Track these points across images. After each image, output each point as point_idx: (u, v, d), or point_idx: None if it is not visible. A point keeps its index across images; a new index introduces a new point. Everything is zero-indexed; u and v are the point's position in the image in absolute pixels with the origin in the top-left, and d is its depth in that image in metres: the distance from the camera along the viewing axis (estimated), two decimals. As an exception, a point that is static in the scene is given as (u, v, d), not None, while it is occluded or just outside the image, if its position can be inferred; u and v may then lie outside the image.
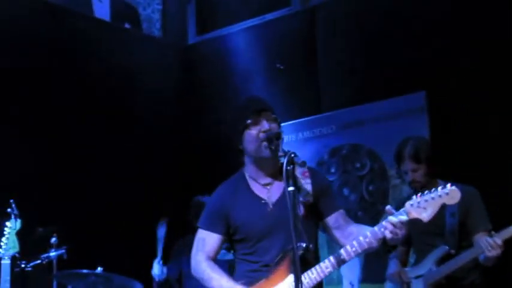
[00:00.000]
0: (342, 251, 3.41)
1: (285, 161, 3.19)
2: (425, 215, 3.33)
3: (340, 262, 3.41)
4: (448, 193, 3.31)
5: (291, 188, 3.16)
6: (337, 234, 3.63)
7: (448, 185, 3.32)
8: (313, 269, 3.42)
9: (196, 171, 7.64)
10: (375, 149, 6.71)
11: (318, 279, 3.42)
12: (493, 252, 4.32)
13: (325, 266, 3.42)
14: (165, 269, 6.11)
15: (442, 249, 4.60)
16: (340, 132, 7.00)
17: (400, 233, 3.30)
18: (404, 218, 3.30)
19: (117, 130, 7.30)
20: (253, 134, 3.55)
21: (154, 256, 6.05)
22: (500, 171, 5.82)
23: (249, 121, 3.56)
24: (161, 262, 6.06)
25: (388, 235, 3.30)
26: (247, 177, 3.70)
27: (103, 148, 7.10)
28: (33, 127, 6.59)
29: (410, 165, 4.65)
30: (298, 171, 3.52)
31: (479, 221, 4.60)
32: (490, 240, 4.32)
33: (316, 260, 3.50)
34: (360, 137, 6.86)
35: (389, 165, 6.54)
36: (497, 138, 5.89)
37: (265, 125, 3.53)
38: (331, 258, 3.42)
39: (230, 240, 3.72)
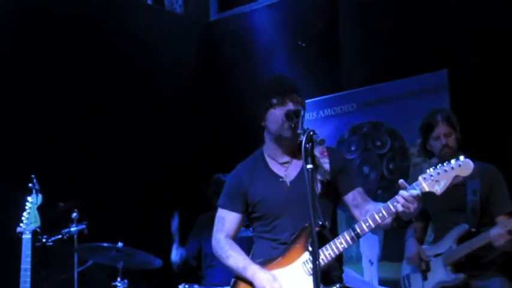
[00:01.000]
0: (356, 226, 3.42)
1: (303, 138, 3.18)
2: (438, 188, 3.30)
3: (354, 238, 3.42)
4: (461, 164, 3.29)
5: (309, 166, 3.15)
6: (355, 212, 3.64)
7: (461, 157, 3.30)
8: (327, 245, 3.43)
9: (218, 149, 7.64)
10: (396, 127, 6.69)
11: (333, 255, 3.43)
12: (501, 242, 4.31)
13: (339, 242, 3.43)
14: (183, 252, 6.17)
15: (462, 228, 4.56)
16: (361, 110, 6.98)
17: (413, 206, 3.27)
18: (415, 191, 3.28)
19: (139, 107, 7.31)
20: (278, 114, 3.57)
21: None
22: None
23: (274, 101, 3.57)
24: (179, 247, 6.13)
25: (400, 208, 3.28)
26: (266, 156, 3.72)
27: (125, 125, 7.12)
28: (56, 102, 6.62)
29: (444, 129, 4.60)
30: (317, 150, 3.51)
31: (502, 201, 4.56)
32: (497, 231, 4.30)
33: (333, 237, 3.50)
34: (380, 115, 6.84)
35: (410, 144, 6.53)
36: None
37: (290, 106, 3.53)
38: (345, 234, 3.43)
39: (249, 218, 3.75)
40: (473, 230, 4.53)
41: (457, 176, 3.33)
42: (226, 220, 3.72)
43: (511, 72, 5.88)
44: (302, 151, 3.16)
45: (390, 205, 3.34)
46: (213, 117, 7.96)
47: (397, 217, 3.39)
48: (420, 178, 3.33)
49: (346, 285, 5.05)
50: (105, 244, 5.55)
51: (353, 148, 6.98)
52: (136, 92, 7.30)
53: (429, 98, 6.42)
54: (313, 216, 3.07)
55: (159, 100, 7.50)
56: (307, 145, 3.18)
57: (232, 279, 3.67)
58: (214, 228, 3.75)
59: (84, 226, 5.63)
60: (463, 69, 6.19)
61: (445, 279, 4.59)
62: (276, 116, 3.58)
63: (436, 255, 4.67)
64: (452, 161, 3.30)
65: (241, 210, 3.71)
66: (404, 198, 3.27)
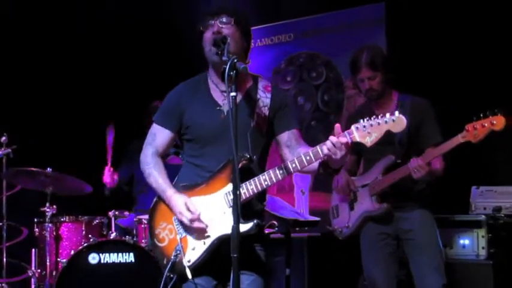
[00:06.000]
0: (282, 165, 3.40)
1: (227, 66, 3.14)
2: (369, 140, 3.28)
3: (279, 177, 3.39)
4: (395, 120, 3.27)
5: (232, 94, 3.11)
6: (286, 152, 3.60)
7: (396, 112, 3.27)
8: (252, 180, 3.41)
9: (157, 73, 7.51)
10: (332, 59, 6.69)
11: (255, 191, 3.40)
12: (419, 174, 4.38)
13: (264, 178, 3.39)
14: (116, 176, 6.11)
15: (388, 159, 4.62)
16: (298, 41, 6.96)
17: (340, 153, 3.26)
18: (345, 139, 3.26)
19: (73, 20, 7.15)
20: (206, 37, 3.49)
21: (105, 161, 6.05)
22: (453, 85, 5.86)
23: (204, 23, 3.49)
24: (111, 169, 6.06)
25: (326, 152, 3.27)
26: (209, 81, 3.64)
27: (56, 42, 6.97)
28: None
29: (367, 73, 4.59)
30: (261, 84, 3.51)
31: (431, 134, 4.60)
32: (416, 162, 4.37)
33: (261, 173, 3.48)
34: (317, 46, 6.83)
35: (345, 76, 6.55)
36: (452, 51, 5.90)
37: (215, 26, 3.47)
38: (271, 172, 3.40)
39: (180, 139, 3.69)
40: (399, 161, 4.58)
41: (388, 131, 3.34)
42: (158, 136, 3.64)
43: (449, 8, 5.90)
44: (225, 79, 3.12)
45: (318, 149, 3.32)
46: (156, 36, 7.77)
47: (325, 164, 3.38)
48: (353, 127, 3.29)
49: (273, 212, 5.13)
50: (34, 169, 5.49)
51: (289, 78, 6.97)
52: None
53: (366, 31, 6.42)
54: (235, 145, 3.05)
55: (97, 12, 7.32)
56: (231, 73, 3.13)
57: (154, 199, 3.62)
58: (145, 143, 3.68)
59: (9, 150, 5.55)
60: (401, 3, 6.19)
61: (369, 209, 4.67)
62: (205, 39, 3.50)
63: (363, 186, 4.73)
64: (387, 115, 3.27)
65: (175, 129, 3.63)
66: (332, 144, 3.27)
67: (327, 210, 5.11)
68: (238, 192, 3.09)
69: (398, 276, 4.75)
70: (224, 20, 3.48)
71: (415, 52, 6.02)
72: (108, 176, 6.01)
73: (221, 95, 3.58)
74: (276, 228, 5.31)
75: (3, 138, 5.64)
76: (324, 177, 6.26)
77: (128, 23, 7.17)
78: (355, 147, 4.76)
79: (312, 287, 5.95)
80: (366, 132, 3.28)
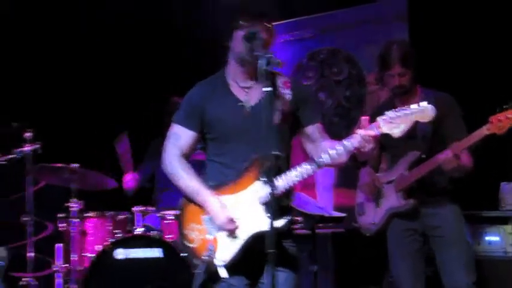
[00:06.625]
0: (312, 160, 3.41)
1: (262, 61, 3.14)
2: (397, 131, 3.28)
3: (310, 171, 3.39)
4: (423, 110, 3.27)
5: (267, 88, 3.11)
6: (310, 147, 3.62)
7: (424, 103, 3.27)
8: (282, 176, 3.39)
9: (176, 70, 7.53)
10: (354, 54, 6.68)
11: (286, 187, 3.40)
12: (448, 166, 4.37)
13: (295, 174, 3.39)
14: (137, 177, 6.15)
15: (413, 155, 4.60)
16: (319, 36, 6.95)
17: (368, 146, 3.27)
18: (373, 132, 3.27)
19: (96, 24, 7.16)
20: (239, 34, 3.46)
21: (121, 169, 6.13)
22: (476, 80, 5.85)
23: (243, 23, 3.47)
24: (132, 175, 6.10)
25: (356, 145, 3.28)
26: (228, 78, 3.64)
27: (79, 43, 6.99)
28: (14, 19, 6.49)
29: (399, 69, 4.56)
30: (280, 81, 3.48)
31: (455, 129, 4.57)
32: (444, 155, 4.36)
33: (287, 168, 3.50)
34: (338, 41, 6.82)
35: (367, 71, 6.54)
36: (476, 47, 5.89)
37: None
38: (301, 167, 3.40)
39: (203, 139, 3.69)
40: (423, 156, 4.58)
41: (416, 121, 3.33)
42: (181, 137, 3.61)
43: (473, 3, 5.88)
44: (260, 73, 3.13)
45: (346, 142, 3.34)
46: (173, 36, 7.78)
47: (353, 157, 3.39)
48: (379, 119, 3.29)
49: (299, 208, 5.13)
50: (59, 165, 5.52)
51: (310, 74, 6.97)
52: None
53: (388, 26, 6.41)
54: (266, 142, 3.07)
55: (117, 15, 7.31)
56: (266, 67, 3.14)
57: (181, 200, 3.61)
58: (167, 144, 3.64)
59: (38, 146, 5.57)
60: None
61: (396, 205, 4.64)
62: (236, 37, 3.48)
63: (389, 182, 4.72)
64: (414, 106, 3.26)
65: (197, 129, 3.61)
66: (361, 137, 3.28)
67: (351, 207, 5.11)
68: (272, 189, 3.09)
69: (425, 272, 4.73)
70: (268, 26, 3.50)
71: (437, 47, 6.00)
72: (129, 181, 6.07)
73: (242, 90, 3.58)
74: (300, 224, 5.33)
75: (28, 134, 5.66)
76: (348, 173, 6.28)
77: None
78: (378, 143, 4.78)
79: (337, 283, 5.96)
80: (394, 123, 3.28)
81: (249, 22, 3.45)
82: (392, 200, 4.68)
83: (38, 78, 6.63)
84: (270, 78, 3.15)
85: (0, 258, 4.85)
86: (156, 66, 7.46)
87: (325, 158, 3.36)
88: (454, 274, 4.50)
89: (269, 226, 3.04)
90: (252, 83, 3.59)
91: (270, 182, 3.10)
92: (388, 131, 3.29)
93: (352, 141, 3.31)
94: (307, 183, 6.71)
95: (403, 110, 3.28)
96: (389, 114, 3.29)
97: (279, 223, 3.28)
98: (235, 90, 3.60)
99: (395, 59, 4.55)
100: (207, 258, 3.44)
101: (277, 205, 3.27)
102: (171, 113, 3.75)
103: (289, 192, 3.53)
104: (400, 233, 4.68)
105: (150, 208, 5.75)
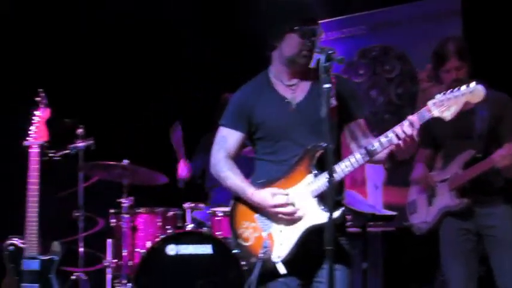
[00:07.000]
0: (362, 149, 3.37)
1: (322, 57, 3.11)
2: (448, 114, 3.22)
3: (359, 161, 3.34)
4: (472, 91, 3.22)
5: (327, 86, 3.07)
6: (352, 143, 3.60)
7: (473, 83, 3.23)
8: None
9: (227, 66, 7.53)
10: (406, 52, 6.62)
11: (338, 178, 3.36)
12: (504, 162, 4.30)
13: (345, 165, 3.34)
14: (190, 167, 6.18)
15: (468, 153, 4.54)
16: (371, 33, 6.91)
17: (410, 140, 3.21)
18: (426, 115, 3.22)
19: (145, 20, 7.21)
20: (296, 40, 3.45)
21: (175, 158, 6.13)
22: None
23: (296, 27, 3.46)
24: (185, 162, 6.12)
25: (401, 133, 3.21)
26: (272, 77, 3.64)
27: (130, 41, 7.05)
28: (65, 18, 6.55)
29: (455, 63, 4.51)
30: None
31: (511, 129, 4.54)
32: (500, 153, 4.30)
33: (337, 161, 3.47)
34: (390, 38, 6.77)
35: (419, 69, 6.47)
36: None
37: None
38: (351, 157, 3.35)
39: (251, 139, 3.69)
40: (479, 155, 4.51)
41: (467, 103, 3.28)
42: (228, 139, 3.63)
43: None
44: (320, 70, 3.09)
45: (395, 129, 3.26)
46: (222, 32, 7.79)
47: (391, 156, 3.35)
48: (429, 103, 3.25)
49: (349, 206, 5.10)
50: (111, 162, 5.57)
51: (361, 72, 6.93)
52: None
53: (441, 23, 6.33)
54: (327, 136, 3.04)
55: (164, 13, 7.37)
56: (326, 64, 3.11)
57: (232, 201, 3.63)
58: (214, 147, 3.68)
59: (92, 142, 5.63)
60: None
61: (449, 204, 4.58)
62: (294, 41, 3.47)
63: (442, 181, 4.66)
64: (463, 87, 3.22)
65: (244, 130, 3.62)
66: (410, 122, 3.21)
67: (401, 205, 5.06)
68: (330, 176, 3.06)
69: (478, 272, 4.67)
70: (320, 30, 3.48)
71: (492, 44, 5.91)
72: (183, 169, 6.07)
73: (287, 88, 3.58)
74: (350, 222, 5.29)
75: (80, 130, 5.72)
76: (398, 171, 6.23)
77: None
78: (432, 141, 4.73)
79: (387, 282, 5.93)
80: (444, 106, 3.22)
81: (305, 23, 3.44)
82: (445, 198, 4.62)
83: (89, 74, 6.70)
84: (329, 75, 3.11)
85: (54, 253, 4.89)
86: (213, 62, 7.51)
87: (376, 146, 3.31)
88: (508, 275, 4.44)
89: (327, 218, 3.02)
90: (297, 80, 3.59)
91: (331, 172, 3.06)
92: (439, 114, 3.23)
93: (404, 127, 3.23)
94: (356, 181, 6.67)
95: (452, 92, 3.23)
96: (439, 97, 3.24)
97: (335, 214, 3.20)
98: (280, 88, 3.60)
99: (452, 52, 4.50)
100: (263, 255, 3.41)
101: (331, 198, 3.26)
102: (222, 109, 3.76)
103: (340, 187, 3.52)
104: (453, 233, 4.61)
105: (200, 205, 5.76)
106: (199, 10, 7.39)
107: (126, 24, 7.05)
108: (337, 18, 7.07)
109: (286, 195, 3.41)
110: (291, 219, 3.40)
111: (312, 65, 3.46)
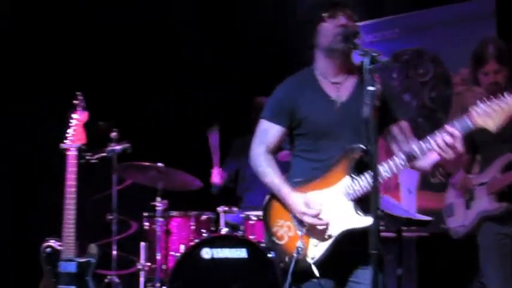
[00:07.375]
0: (401, 155, 3.31)
1: (366, 59, 3.08)
2: (493, 124, 3.12)
3: (398, 167, 3.29)
4: None
5: (371, 88, 3.03)
6: (394, 146, 3.57)
7: None
8: (366, 173, 3.31)
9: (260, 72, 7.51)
10: (439, 55, 6.58)
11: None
12: None
13: (384, 170, 3.28)
14: (224, 174, 6.17)
15: (507, 157, 4.50)
16: (404, 37, 6.86)
17: (452, 147, 3.13)
18: (468, 124, 3.14)
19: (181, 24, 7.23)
20: (329, 27, 3.47)
21: (210, 162, 6.12)
22: None
23: (325, 14, 3.48)
24: (219, 169, 6.11)
25: (440, 143, 3.14)
26: (317, 74, 3.61)
27: (166, 44, 7.05)
28: (103, 22, 6.58)
29: (494, 66, 4.48)
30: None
31: None
32: None
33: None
34: (423, 41, 6.73)
35: (453, 72, 6.43)
36: None
37: (341, 19, 3.45)
38: (390, 162, 3.30)
39: (291, 134, 3.65)
40: (519, 159, 4.47)
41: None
42: (269, 133, 3.59)
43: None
44: (364, 73, 3.06)
45: (440, 135, 3.19)
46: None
47: (440, 167, 3.30)
48: (472, 112, 3.13)
49: (385, 211, 5.05)
50: (146, 163, 5.58)
51: (394, 75, 6.89)
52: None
53: (475, 25, 6.28)
54: (371, 138, 3.01)
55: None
56: (370, 66, 3.07)
57: (267, 196, 3.60)
58: (255, 141, 3.63)
59: (128, 145, 5.64)
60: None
61: (488, 208, 4.54)
62: (327, 29, 3.48)
63: (481, 184, 4.62)
64: (510, 97, 3.11)
65: (286, 124, 3.58)
66: (449, 133, 3.13)
67: (435, 210, 5.03)
68: (375, 179, 2.99)
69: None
70: (350, 12, 3.49)
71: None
72: (217, 175, 6.07)
73: (332, 86, 3.55)
74: (383, 227, 5.26)
75: (114, 133, 5.74)
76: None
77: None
78: (472, 146, 4.68)
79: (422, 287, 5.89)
80: (488, 116, 3.13)
81: (331, 12, 3.46)
82: (484, 202, 4.58)
83: (126, 77, 6.72)
84: (373, 77, 3.07)
85: (91, 255, 4.91)
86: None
87: (417, 151, 3.25)
88: None
89: (372, 223, 2.99)
90: (343, 77, 3.56)
91: (376, 175, 3.00)
92: (483, 124, 3.14)
93: (435, 140, 3.18)
94: (389, 186, 6.63)
95: (496, 101, 3.13)
96: (483, 106, 3.13)
97: (369, 220, 3.15)
98: (326, 86, 3.57)
99: (491, 55, 4.47)
100: (297, 255, 3.38)
101: (366, 203, 3.22)
102: (257, 114, 3.75)
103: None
104: (492, 237, 4.56)
105: (234, 208, 5.75)
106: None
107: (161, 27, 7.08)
108: (369, 21, 7.04)
109: (320, 205, 3.37)
110: (316, 231, 3.37)
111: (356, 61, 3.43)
